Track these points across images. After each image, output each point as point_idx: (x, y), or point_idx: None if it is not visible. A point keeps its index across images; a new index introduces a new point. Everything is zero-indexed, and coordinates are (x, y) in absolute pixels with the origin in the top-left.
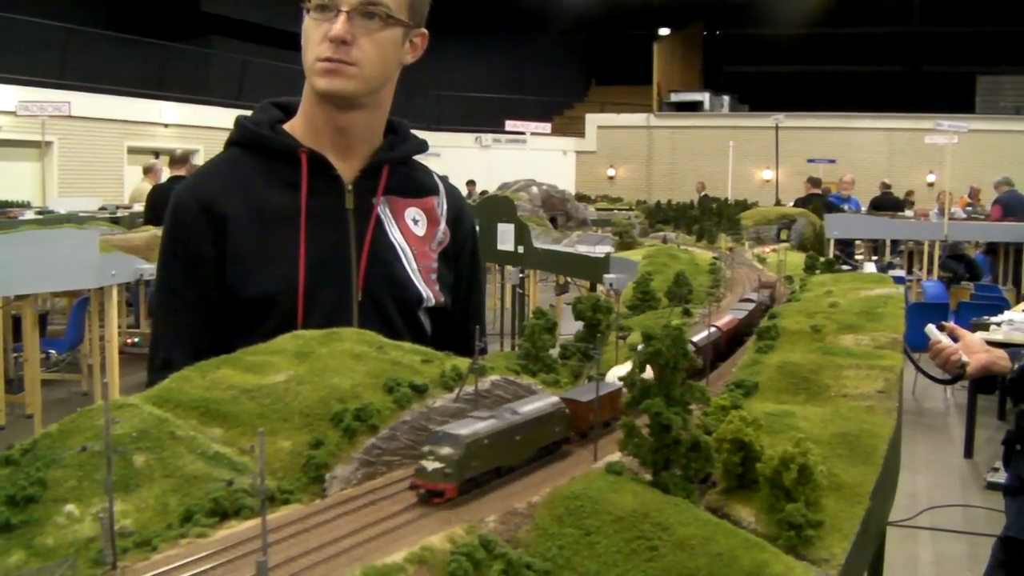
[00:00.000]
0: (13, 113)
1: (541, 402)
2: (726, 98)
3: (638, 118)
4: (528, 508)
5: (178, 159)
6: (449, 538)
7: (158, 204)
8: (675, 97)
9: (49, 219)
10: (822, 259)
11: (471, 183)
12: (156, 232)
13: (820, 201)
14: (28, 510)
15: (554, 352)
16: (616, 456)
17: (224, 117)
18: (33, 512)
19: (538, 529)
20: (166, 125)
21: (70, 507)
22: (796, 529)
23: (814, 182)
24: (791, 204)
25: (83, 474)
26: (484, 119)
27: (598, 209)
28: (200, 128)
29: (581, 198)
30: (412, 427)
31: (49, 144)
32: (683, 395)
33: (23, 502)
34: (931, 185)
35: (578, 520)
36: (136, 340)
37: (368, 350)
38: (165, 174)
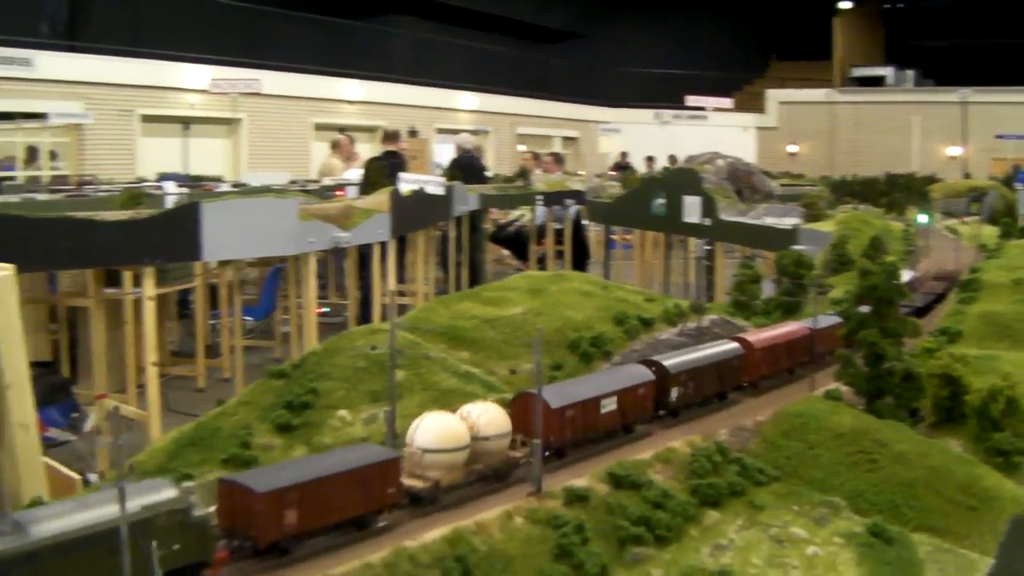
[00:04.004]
0: (205, 91)
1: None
2: (910, 72)
3: (819, 93)
4: (755, 425)
5: (390, 135)
6: (688, 443)
7: (373, 176)
8: (857, 72)
9: (248, 191)
10: (1020, 226)
11: (650, 159)
12: (351, 202)
13: None
14: (304, 414)
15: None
16: (833, 385)
17: (405, 94)
18: (309, 416)
19: (766, 442)
20: (350, 102)
21: (343, 412)
22: (1004, 456)
23: None
24: None
25: (350, 386)
26: (664, 95)
27: (781, 184)
28: (382, 105)
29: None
30: (641, 355)
31: (239, 121)
32: (897, 327)
33: (300, 407)
34: None
35: (802, 435)
36: (326, 309)
37: (595, 288)
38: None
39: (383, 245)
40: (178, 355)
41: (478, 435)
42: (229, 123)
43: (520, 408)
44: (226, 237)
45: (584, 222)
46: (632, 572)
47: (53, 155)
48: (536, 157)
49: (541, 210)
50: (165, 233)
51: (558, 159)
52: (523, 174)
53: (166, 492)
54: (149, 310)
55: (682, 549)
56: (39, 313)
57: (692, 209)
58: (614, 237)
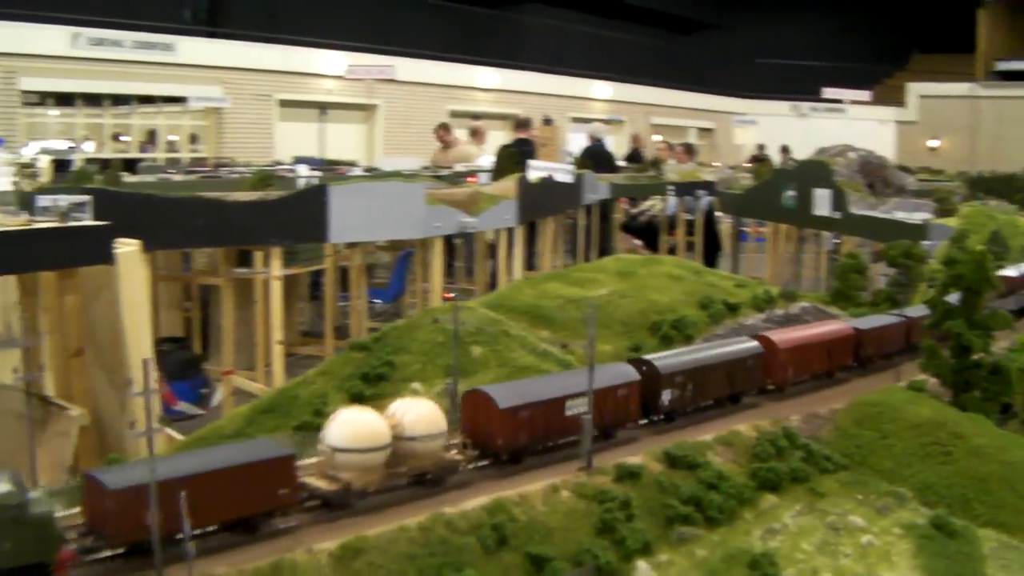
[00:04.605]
0: (341, 77)
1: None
2: None
3: (962, 87)
4: (830, 412)
5: (521, 122)
6: (755, 427)
7: (503, 163)
8: (1002, 66)
9: (377, 175)
10: None
11: (785, 149)
12: (479, 188)
13: None
14: (379, 386)
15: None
16: (919, 376)
17: (539, 83)
18: (384, 388)
19: (838, 430)
20: (484, 90)
21: (416, 384)
22: None
23: None
24: None
25: (427, 359)
26: (801, 87)
27: (919, 180)
28: (516, 93)
29: (901, 169)
30: (722, 339)
31: (375, 107)
32: (985, 320)
33: (375, 379)
34: None
35: (876, 424)
36: (454, 295)
37: (686, 273)
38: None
39: (510, 231)
40: (308, 335)
41: (402, 435)
42: (365, 109)
43: (470, 407)
44: (353, 219)
45: (717, 214)
46: (676, 551)
47: (193, 138)
48: (670, 147)
49: (673, 200)
50: (293, 214)
51: (689, 150)
52: (655, 163)
53: None
54: (276, 290)
55: (732, 531)
56: (174, 291)
57: (822, 202)
58: (747, 229)
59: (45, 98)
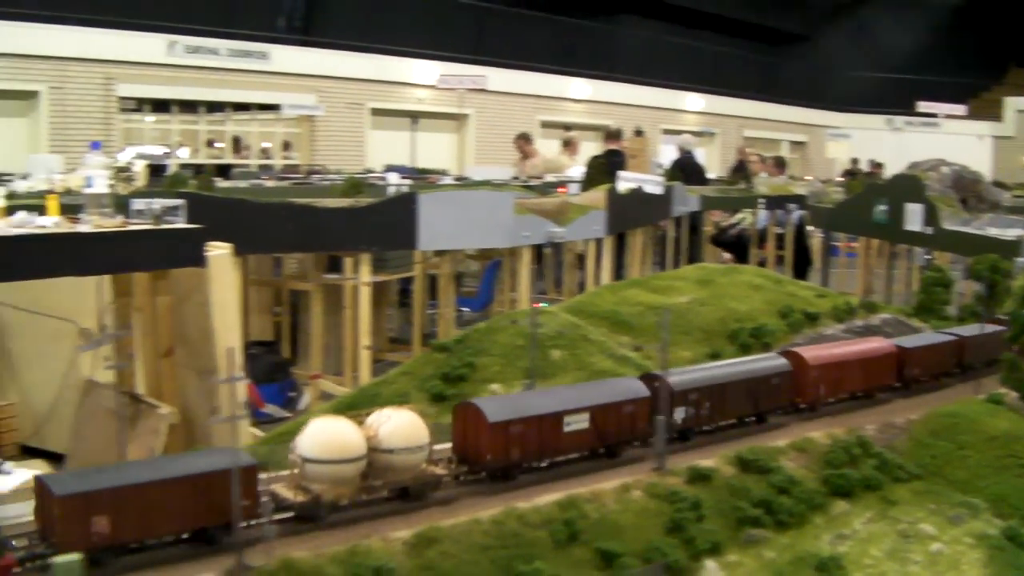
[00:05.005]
0: (433, 87)
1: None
2: None
3: None
4: (906, 423)
5: (612, 133)
6: (829, 435)
7: (593, 173)
8: None
9: (466, 184)
10: None
11: (878, 165)
12: (567, 198)
13: None
14: (458, 386)
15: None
16: (1000, 390)
17: (631, 94)
18: (463, 388)
19: (913, 440)
20: (576, 100)
21: (495, 386)
22: None
23: None
24: None
25: (506, 362)
26: (895, 100)
27: (1015, 196)
28: (608, 104)
29: (997, 185)
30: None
31: (466, 116)
32: None
33: (455, 379)
34: None
35: (952, 436)
36: (544, 304)
37: (766, 282)
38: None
39: (599, 242)
40: (396, 342)
41: (379, 447)
42: (456, 118)
43: (461, 420)
44: (441, 227)
45: (808, 228)
46: (746, 552)
47: (286, 145)
48: (762, 160)
49: (764, 214)
50: (382, 221)
51: (780, 163)
52: (746, 176)
53: None
54: (364, 295)
55: (802, 535)
56: (265, 296)
57: (914, 217)
58: (838, 244)
59: (142, 104)
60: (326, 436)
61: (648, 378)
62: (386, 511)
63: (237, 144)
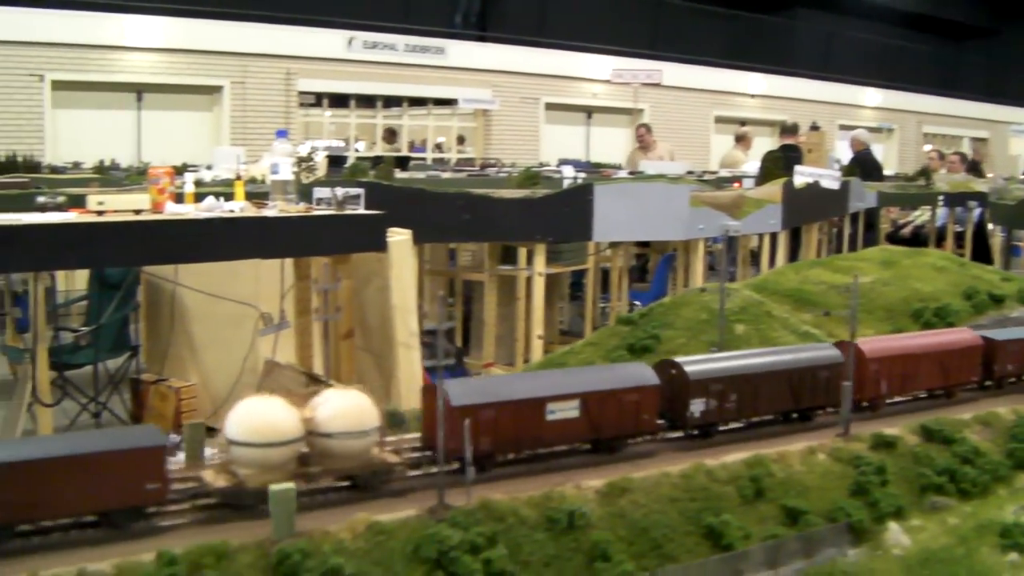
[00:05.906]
0: (607, 81)
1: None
2: None
3: None
4: None
5: (788, 128)
6: (1014, 411)
7: (769, 168)
8: None
9: (641, 177)
10: None
11: None
12: (743, 192)
13: None
14: (644, 357)
15: None
16: None
17: (808, 89)
18: (648, 359)
19: None
20: (752, 96)
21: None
22: None
23: None
24: None
25: (691, 335)
26: None
27: None
28: (785, 99)
29: None
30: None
31: (640, 111)
32: None
33: (640, 351)
34: None
35: None
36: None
37: (950, 265)
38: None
39: (774, 236)
40: (567, 334)
41: (317, 430)
42: (630, 113)
43: (429, 404)
44: (616, 219)
45: (989, 226)
46: (929, 517)
47: (461, 139)
48: (941, 156)
49: (942, 211)
50: (558, 212)
51: (964, 159)
52: (925, 173)
53: None
54: (538, 285)
55: (985, 505)
56: (439, 285)
57: None
58: (1020, 244)
59: (320, 99)
60: (253, 417)
61: (663, 365)
62: (578, 463)
63: (393, 136)
